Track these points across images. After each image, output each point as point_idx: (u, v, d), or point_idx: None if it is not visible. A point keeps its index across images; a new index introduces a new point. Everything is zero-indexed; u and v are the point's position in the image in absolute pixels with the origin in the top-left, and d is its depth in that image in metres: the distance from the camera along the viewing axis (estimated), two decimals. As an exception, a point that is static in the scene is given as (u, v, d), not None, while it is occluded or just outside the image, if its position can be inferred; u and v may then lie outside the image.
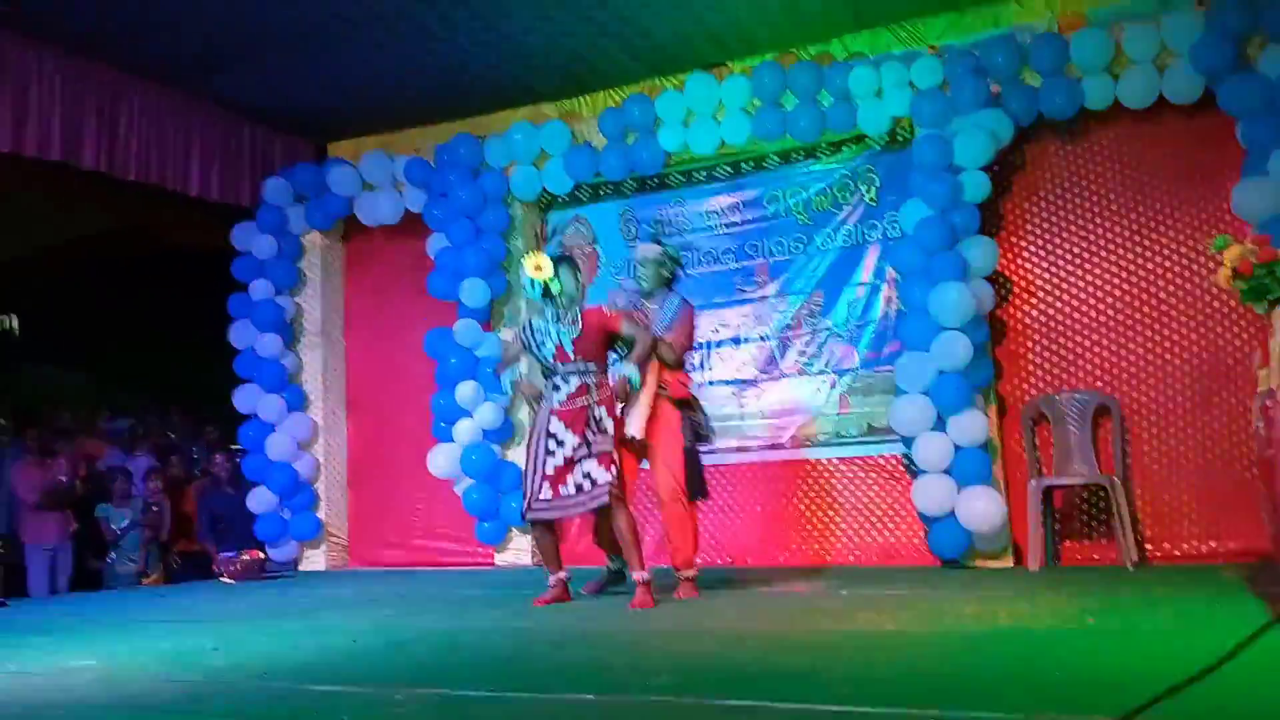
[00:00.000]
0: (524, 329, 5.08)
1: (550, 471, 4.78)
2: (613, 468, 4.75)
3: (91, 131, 6.53)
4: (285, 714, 2.69)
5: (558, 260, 4.94)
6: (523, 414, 7.37)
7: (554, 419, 4.83)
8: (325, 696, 2.92)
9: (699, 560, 5.23)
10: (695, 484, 5.07)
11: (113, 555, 7.46)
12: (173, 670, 3.46)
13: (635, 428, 4.92)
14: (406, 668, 3.43)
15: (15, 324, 5.93)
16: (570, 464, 4.77)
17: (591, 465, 4.75)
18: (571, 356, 4.86)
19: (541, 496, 4.79)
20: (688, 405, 5.13)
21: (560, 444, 4.79)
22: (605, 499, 4.71)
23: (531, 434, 4.92)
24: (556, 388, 4.88)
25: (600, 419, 4.83)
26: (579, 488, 4.76)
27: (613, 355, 5.12)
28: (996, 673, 2.91)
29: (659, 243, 5.46)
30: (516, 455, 7.30)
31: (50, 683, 3.33)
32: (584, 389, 4.84)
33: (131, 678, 3.35)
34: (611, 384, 4.90)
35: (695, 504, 5.10)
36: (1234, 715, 2.30)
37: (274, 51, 6.60)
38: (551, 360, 4.92)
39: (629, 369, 4.84)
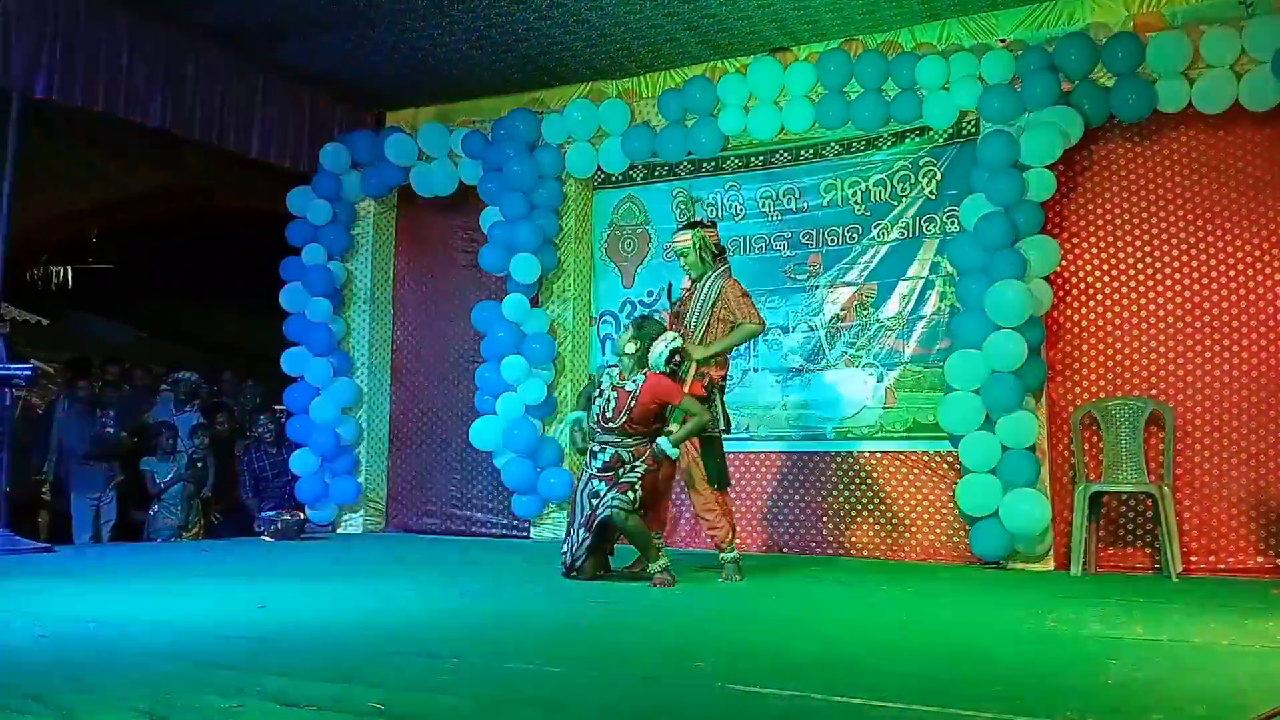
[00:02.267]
0: (598, 377, 5.18)
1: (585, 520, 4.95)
2: (629, 492, 4.84)
3: (159, 90, 6.62)
4: (337, 675, 2.72)
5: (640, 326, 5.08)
6: (565, 391, 7.39)
7: (594, 481, 4.93)
8: (374, 659, 2.95)
9: (737, 544, 5.24)
10: (716, 473, 5.20)
11: (155, 508, 7.56)
12: (222, 625, 3.51)
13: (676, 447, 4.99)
14: (453, 636, 3.46)
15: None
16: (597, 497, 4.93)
17: (610, 492, 4.86)
18: (613, 428, 4.94)
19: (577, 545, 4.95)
20: (707, 400, 5.18)
21: (598, 495, 4.90)
22: (605, 513, 4.81)
23: (576, 492, 5.04)
24: (594, 455, 4.99)
25: (634, 465, 4.91)
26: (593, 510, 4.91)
27: None
28: (1046, 678, 2.88)
29: (697, 224, 5.46)
30: (557, 431, 7.32)
31: (105, 631, 3.39)
32: (617, 460, 4.92)
33: (183, 630, 3.41)
34: (648, 453, 4.94)
35: (724, 492, 5.25)
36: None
37: (338, 19, 6.62)
38: (594, 422, 5.01)
39: (668, 446, 4.90)
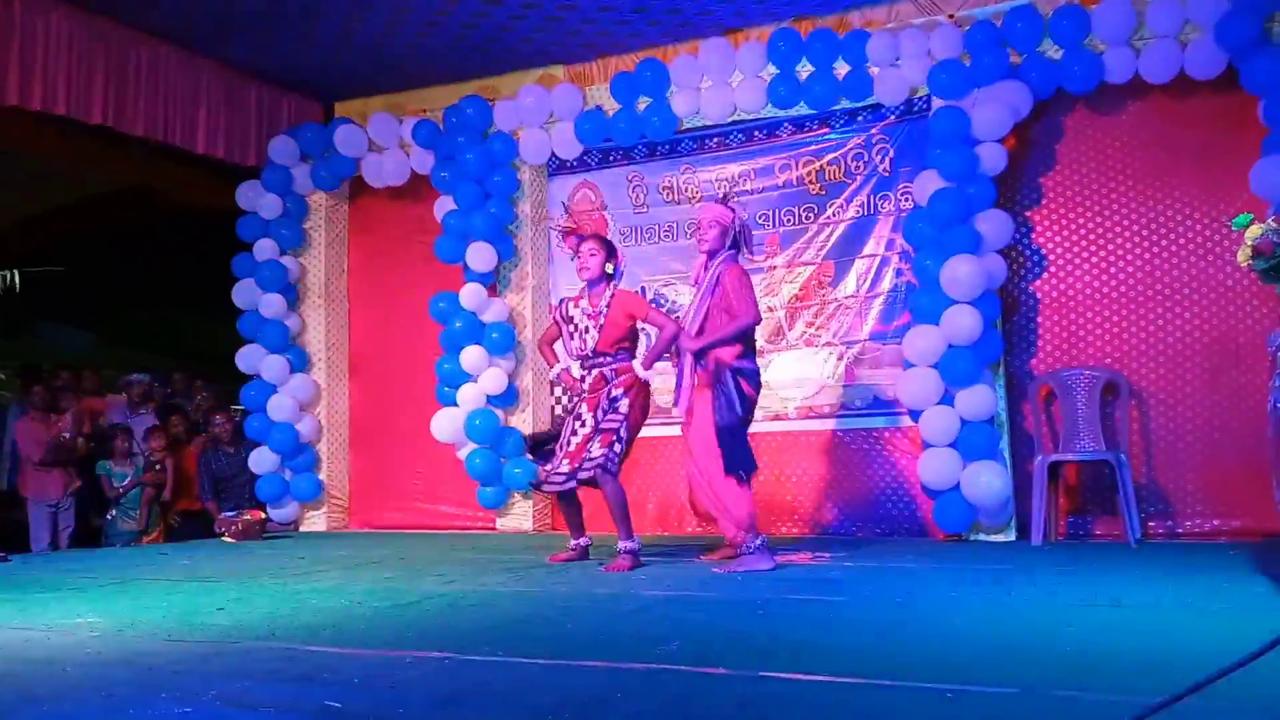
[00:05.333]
0: (560, 309, 5.25)
1: (572, 448, 5.02)
2: (614, 445, 4.93)
3: (99, 86, 6.47)
4: (294, 676, 2.68)
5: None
6: (527, 380, 7.35)
7: (582, 404, 5.08)
8: (333, 658, 2.91)
9: (746, 536, 4.77)
10: (738, 459, 4.80)
11: (113, 512, 7.44)
12: (178, 629, 3.44)
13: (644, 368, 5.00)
14: (413, 630, 3.42)
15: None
16: (587, 441, 4.98)
17: (594, 443, 4.95)
18: (591, 353, 5.06)
19: (559, 470, 5.02)
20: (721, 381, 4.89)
21: (584, 424, 5.04)
22: (590, 474, 4.89)
23: (567, 415, 5.18)
24: (582, 378, 5.12)
25: (615, 399, 5.00)
26: (580, 462, 4.95)
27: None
28: (1008, 648, 2.90)
29: (728, 205, 5.15)
30: (519, 421, 7.28)
31: (57, 640, 3.32)
32: (601, 379, 5.06)
33: (137, 636, 3.34)
34: (629, 378, 5.05)
35: (740, 479, 4.78)
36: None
37: (283, 10, 6.51)
38: (577, 352, 5.14)
39: (638, 366, 5.00)
